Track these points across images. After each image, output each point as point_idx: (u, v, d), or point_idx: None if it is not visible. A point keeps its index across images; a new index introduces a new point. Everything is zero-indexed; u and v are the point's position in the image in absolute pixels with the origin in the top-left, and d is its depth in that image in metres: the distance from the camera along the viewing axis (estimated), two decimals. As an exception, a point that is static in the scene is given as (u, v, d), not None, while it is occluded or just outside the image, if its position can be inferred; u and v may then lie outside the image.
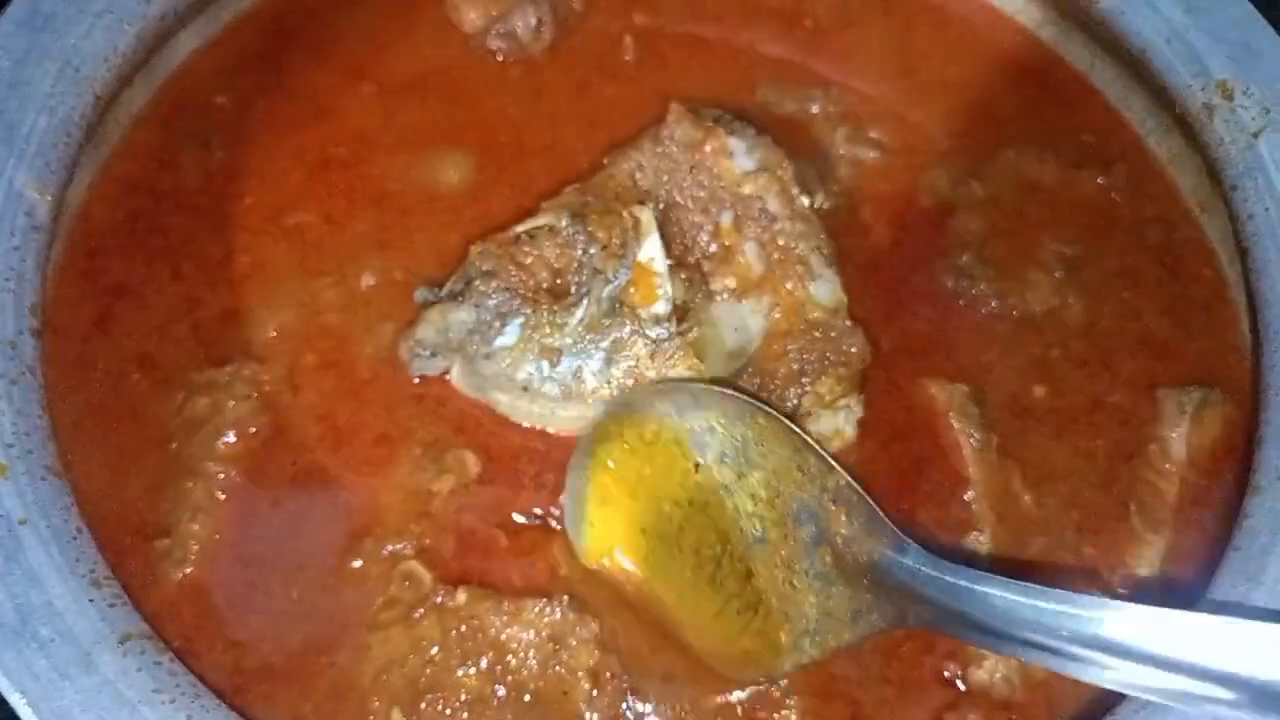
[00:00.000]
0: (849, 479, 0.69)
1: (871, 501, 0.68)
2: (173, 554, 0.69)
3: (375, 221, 0.83)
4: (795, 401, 0.73)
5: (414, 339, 0.75)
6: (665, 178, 0.79)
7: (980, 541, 0.74)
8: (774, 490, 0.69)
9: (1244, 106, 0.83)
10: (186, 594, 0.68)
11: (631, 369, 0.72)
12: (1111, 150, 0.92)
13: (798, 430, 0.71)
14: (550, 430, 0.75)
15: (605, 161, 0.80)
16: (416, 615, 0.68)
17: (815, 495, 0.68)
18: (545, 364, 0.73)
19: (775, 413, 0.71)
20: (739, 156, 0.78)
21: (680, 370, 0.72)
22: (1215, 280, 0.86)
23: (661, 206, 0.78)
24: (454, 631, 0.67)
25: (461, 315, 0.74)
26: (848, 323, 0.75)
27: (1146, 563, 0.74)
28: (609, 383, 0.72)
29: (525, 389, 0.73)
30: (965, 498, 0.75)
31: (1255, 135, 0.82)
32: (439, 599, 0.68)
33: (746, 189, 0.78)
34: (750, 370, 0.74)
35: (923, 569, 0.65)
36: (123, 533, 0.69)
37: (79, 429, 0.72)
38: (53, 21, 0.77)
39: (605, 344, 0.72)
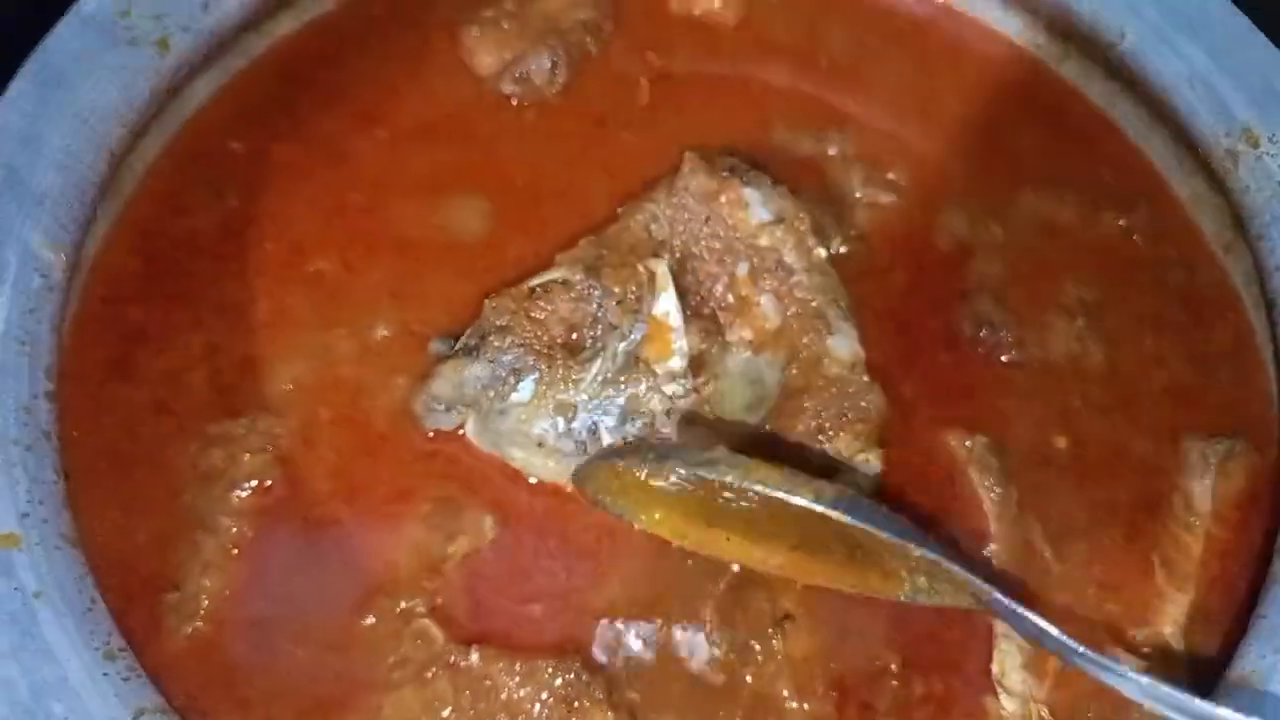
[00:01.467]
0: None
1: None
2: (182, 608, 0.68)
3: (391, 270, 0.82)
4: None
5: (428, 394, 0.74)
6: (680, 229, 0.78)
7: (1001, 598, 0.72)
8: None
9: (1270, 154, 0.82)
10: (195, 650, 0.67)
11: (647, 425, 0.71)
12: (1133, 189, 0.91)
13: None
14: (566, 487, 0.74)
15: (620, 212, 0.79)
16: (429, 675, 0.67)
17: None
18: (561, 420, 0.72)
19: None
20: (755, 207, 0.78)
21: (698, 429, 0.71)
22: (1240, 325, 0.85)
23: (677, 257, 0.78)
24: (467, 692, 0.66)
25: (476, 371, 0.73)
26: (865, 378, 0.74)
27: (1171, 620, 0.73)
28: (625, 439, 0.72)
29: (540, 445, 0.72)
30: (985, 552, 0.74)
31: (1282, 183, 0.81)
32: (451, 658, 0.67)
33: (763, 240, 0.77)
34: (767, 427, 0.73)
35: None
36: (132, 583, 0.68)
37: (92, 473, 0.71)
38: (65, 77, 0.76)
39: (621, 400, 0.72)
